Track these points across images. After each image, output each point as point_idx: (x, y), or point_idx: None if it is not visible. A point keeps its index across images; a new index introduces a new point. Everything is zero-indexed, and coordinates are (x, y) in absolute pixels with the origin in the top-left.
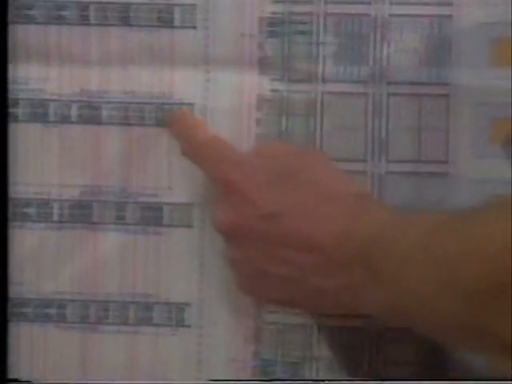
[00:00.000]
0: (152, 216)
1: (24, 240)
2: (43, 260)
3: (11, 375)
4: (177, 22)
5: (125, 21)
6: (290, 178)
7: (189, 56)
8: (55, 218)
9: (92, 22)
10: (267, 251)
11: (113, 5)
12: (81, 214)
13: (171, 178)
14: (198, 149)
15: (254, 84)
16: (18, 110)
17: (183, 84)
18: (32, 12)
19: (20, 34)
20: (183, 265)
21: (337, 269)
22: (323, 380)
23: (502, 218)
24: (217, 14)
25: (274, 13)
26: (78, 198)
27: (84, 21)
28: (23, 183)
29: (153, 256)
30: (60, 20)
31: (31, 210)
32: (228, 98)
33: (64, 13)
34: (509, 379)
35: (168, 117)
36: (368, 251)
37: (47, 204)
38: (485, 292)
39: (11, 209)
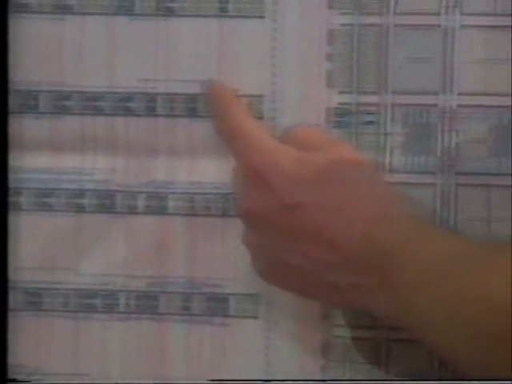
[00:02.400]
0: (218, 307)
1: (90, 330)
2: (110, 351)
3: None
4: None
5: (191, 112)
6: (318, 172)
7: None
8: (121, 308)
9: (159, 113)
10: (286, 241)
11: (180, 96)
12: (147, 305)
13: (236, 269)
14: (230, 131)
15: None
16: (85, 201)
17: None
18: (100, 103)
19: (88, 125)
20: (249, 356)
21: (350, 269)
22: (324, 380)
23: None
24: (284, 104)
25: (341, 103)
26: (144, 288)
27: (151, 112)
28: (90, 274)
29: (218, 347)
30: (127, 111)
31: (97, 301)
32: None
33: (131, 104)
34: (509, 379)
35: (210, 89)
36: (385, 259)
37: (113, 295)
38: (491, 335)
39: (76, 300)
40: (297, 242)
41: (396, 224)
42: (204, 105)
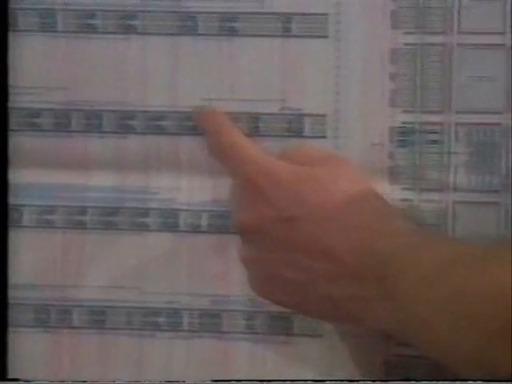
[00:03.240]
0: (282, 325)
1: (154, 348)
2: (174, 369)
3: None
4: (307, 132)
5: (256, 131)
6: (313, 184)
7: None
8: (185, 327)
9: None
10: (282, 254)
11: (244, 115)
12: (210, 323)
13: None
14: (224, 149)
15: (385, 193)
16: (149, 220)
17: None
18: (163, 122)
19: (152, 144)
20: (312, 375)
21: (349, 280)
22: (323, 380)
23: None
24: (346, 123)
25: (405, 122)
26: (207, 307)
27: None
28: (154, 292)
29: (282, 365)
30: (191, 130)
31: (161, 320)
32: None
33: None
34: (509, 379)
35: (196, 113)
36: (384, 270)
37: (177, 313)
38: (495, 332)
39: (140, 318)
40: (293, 255)
41: (394, 234)
42: (268, 128)
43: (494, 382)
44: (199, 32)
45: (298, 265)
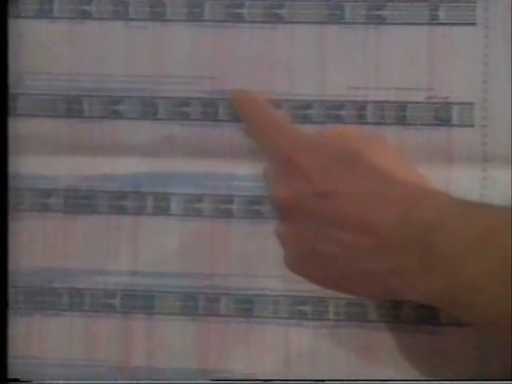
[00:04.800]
0: (428, 314)
1: (300, 335)
2: (319, 358)
3: None
4: (454, 121)
5: (401, 120)
6: (351, 159)
7: (466, 154)
8: (331, 316)
9: (369, 120)
10: (319, 230)
11: (390, 104)
12: (356, 312)
13: None
14: (262, 128)
15: None
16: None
17: (460, 181)
18: (310, 111)
19: None
20: (460, 362)
21: (388, 253)
22: (323, 380)
23: None
24: (494, 112)
25: None
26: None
27: (361, 120)
28: (299, 281)
29: (427, 355)
30: (337, 119)
31: (307, 308)
32: (505, 196)
33: (342, 112)
34: (509, 379)
35: (234, 97)
36: (426, 238)
37: (323, 302)
38: None
39: (287, 307)
40: (332, 230)
41: (436, 205)
42: (414, 116)
43: (494, 381)
44: (346, 20)
45: (336, 240)
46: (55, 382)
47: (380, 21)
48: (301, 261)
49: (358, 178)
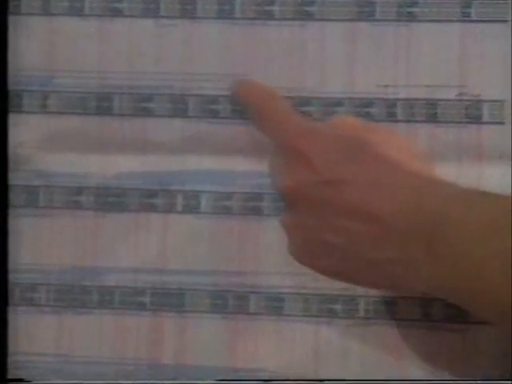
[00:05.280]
0: (457, 313)
1: (330, 333)
2: (349, 356)
3: None
4: (485, 118)
5: (433, 117)
6: (356, 147)
7: (496, 151)
8: (361, 314)
9: (399, 118)
10: (324, 219)
11: (420, 101)
12: (386, 310)
13: None
14: (268, 116)
15: None
16: None
17: (491, 178)
18: (339, 109)
19: None
20: (489, 360)
21: (394, 242)
22: (323, 380)
23: None
24: None
25: None
26: (382, 294)
27: (391, 117)
28: (329, 279)
29: (456, 354)
30: (367, 117)
31: (337, 306)
32: None
33: (372, 110)
34: (509, 379)
35: (238, 87)
36: (432, 226)
37: (353, 300)
38: None
39: (317, 305)
40: (337, 219)
41: (442, 194)
42: (445, 114)
43: (494, 381)
44: (377, 17)
45: (341, 229)
46: (55, 381)
47: (411, 18)
48: (306, 250)
49: (364, 167)
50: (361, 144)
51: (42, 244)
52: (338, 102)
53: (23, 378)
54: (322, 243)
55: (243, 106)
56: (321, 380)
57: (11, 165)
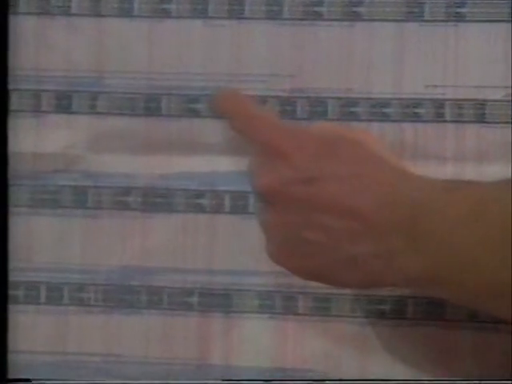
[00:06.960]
0: None
1: (379, 336)
2: (396, 356)
3: None
4: None
5: (480, 117)
6: (334, 144)
7: None
8: (409, 315)
9: (448, 119)
10: (303, 216)
11: (468, 102)
12: (435, 311)
13: None
14: (246, 120)
15: None
16: None
17: None
18: (387, 110)
19: (375, 131)
20: None
21: (374, 236)
22: (323, 380)
23: None
24: None
25: None
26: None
27: (440, 118)
28: None
29: (505, 352)
30: (415, 117)
31: (385, 307)
32: None
33: (419, 110)
34: (509, 379)
35: (214, 96)
36: (412, 218)
37: (402, 301)
38: None
39: (365, 306)
40: (316, 215)
41: (420, 186)
42: (494, 114)
43: (494, 381)
44: (425, 18)
45: (321, 225)
46: (55, 381)
47: (459, 18)
48: (284, 249)
49: (342, 163)
50: (338, 139)
51: (89, 244)
52: (386, 103)
53: (23, 377)
54: (302, 241)
55: (220, 110)
56: (321, 380)
57: (60, 165)
